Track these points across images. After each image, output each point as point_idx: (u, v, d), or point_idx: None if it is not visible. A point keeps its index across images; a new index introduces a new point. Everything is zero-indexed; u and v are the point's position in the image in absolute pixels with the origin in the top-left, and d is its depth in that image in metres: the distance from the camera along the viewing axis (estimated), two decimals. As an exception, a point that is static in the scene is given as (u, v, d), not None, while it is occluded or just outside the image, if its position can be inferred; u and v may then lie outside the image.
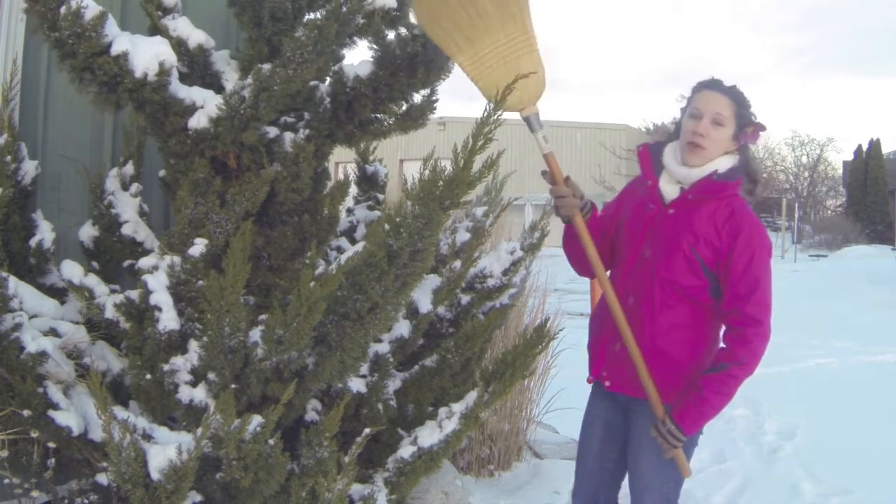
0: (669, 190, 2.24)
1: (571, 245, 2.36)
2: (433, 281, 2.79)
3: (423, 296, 2.77)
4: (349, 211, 3.79)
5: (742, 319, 2.10)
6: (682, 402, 2.15)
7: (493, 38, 2.24)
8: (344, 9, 2.15)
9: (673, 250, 2.16)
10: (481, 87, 2.26)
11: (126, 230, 2.66)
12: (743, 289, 2.10)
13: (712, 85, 2.22)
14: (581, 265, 2.40)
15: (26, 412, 2.18)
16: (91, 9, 2.09)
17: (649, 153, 2.31)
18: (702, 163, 2.19)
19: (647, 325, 2.20)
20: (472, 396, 2.53)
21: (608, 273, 2.34)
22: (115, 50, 2.13)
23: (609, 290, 2.25)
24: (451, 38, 2.26)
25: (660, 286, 2.18)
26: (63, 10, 2.05)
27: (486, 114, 2.11)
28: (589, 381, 2.41)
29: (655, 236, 2.21)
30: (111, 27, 2.14)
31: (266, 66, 2.18)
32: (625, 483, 2.43)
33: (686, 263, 2.15)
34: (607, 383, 2.32)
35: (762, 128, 2.19)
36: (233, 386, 2.14)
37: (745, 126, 2.18)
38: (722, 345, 2.18)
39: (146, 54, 2.16)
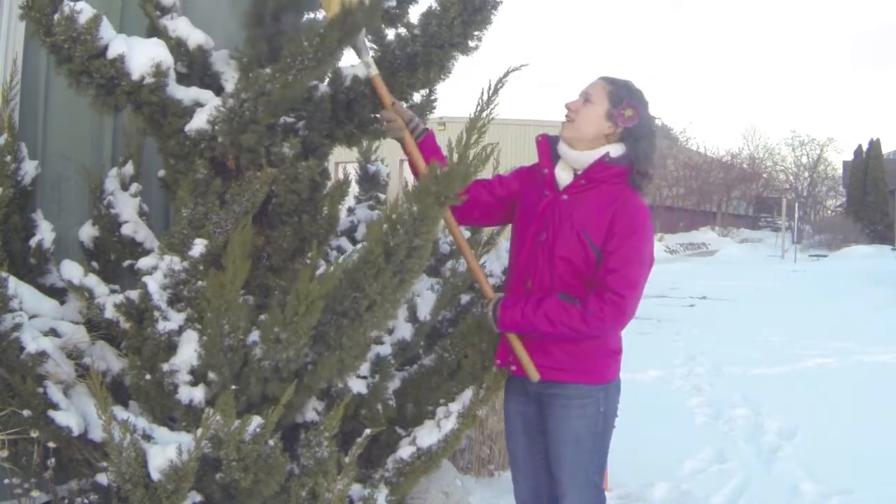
0: (564, 177, 2.38)
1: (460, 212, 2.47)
2: (431, 297, 2.81)
3: (424, 305, 2.78)
4: (350, 210, 3.79)
5: (604, 288, 2.23)
6: (520, 299, 2.30)
7: None
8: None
9: (567, 232, 2.29)
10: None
11: (126, 230, 2.66)
12: (612, 264, 2.24)
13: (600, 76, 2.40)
14: (469, 218, 2.56)
15: (26, 412, 2.18)
16: (85, 13, 2.09)
17: (548, 143, 2.43)
18: (574, 134, 2.33)
19: None
20: (467, 395, 2.54)
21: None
22: (112, 53, 2.13)
23: (457, 232, 2.42)
24: None
25: (557, 266, 2.30)
26: (57, 15, 2.05)
27: (478, 108, 2.21)
28: (497, 366, 2.47)
29: (551, 221, 2.33)
30: (106, 30, 2.14)
31: (265, 71, 2.18)
32: None
33: (579, 244, 2.28)
34: (513, 367, 2.39)
35: (638, 109, 2.29)
36: (233, 387, 2.14)
37: (620, 106, 2.29)
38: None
39: (142, 56, 2.16)
